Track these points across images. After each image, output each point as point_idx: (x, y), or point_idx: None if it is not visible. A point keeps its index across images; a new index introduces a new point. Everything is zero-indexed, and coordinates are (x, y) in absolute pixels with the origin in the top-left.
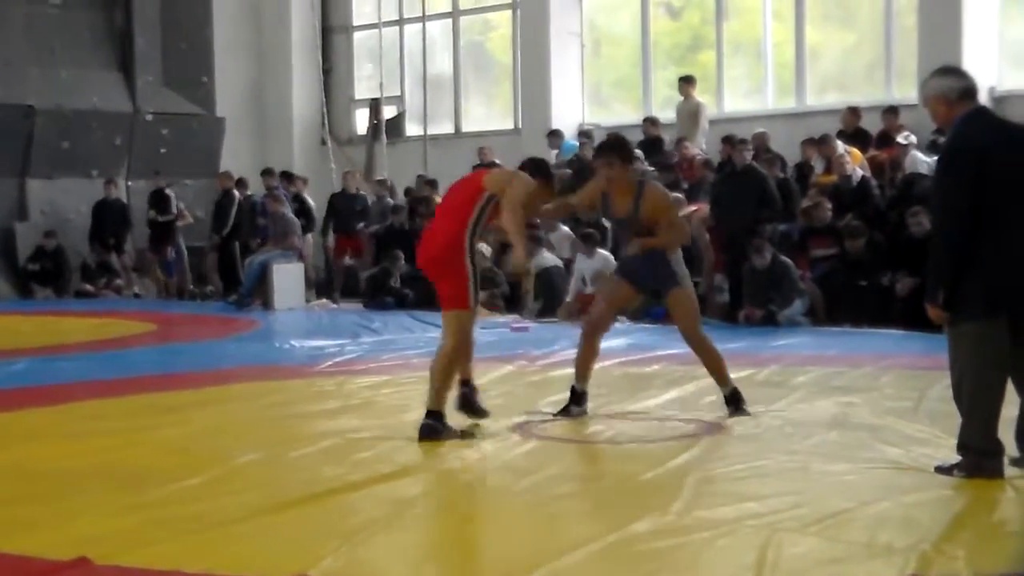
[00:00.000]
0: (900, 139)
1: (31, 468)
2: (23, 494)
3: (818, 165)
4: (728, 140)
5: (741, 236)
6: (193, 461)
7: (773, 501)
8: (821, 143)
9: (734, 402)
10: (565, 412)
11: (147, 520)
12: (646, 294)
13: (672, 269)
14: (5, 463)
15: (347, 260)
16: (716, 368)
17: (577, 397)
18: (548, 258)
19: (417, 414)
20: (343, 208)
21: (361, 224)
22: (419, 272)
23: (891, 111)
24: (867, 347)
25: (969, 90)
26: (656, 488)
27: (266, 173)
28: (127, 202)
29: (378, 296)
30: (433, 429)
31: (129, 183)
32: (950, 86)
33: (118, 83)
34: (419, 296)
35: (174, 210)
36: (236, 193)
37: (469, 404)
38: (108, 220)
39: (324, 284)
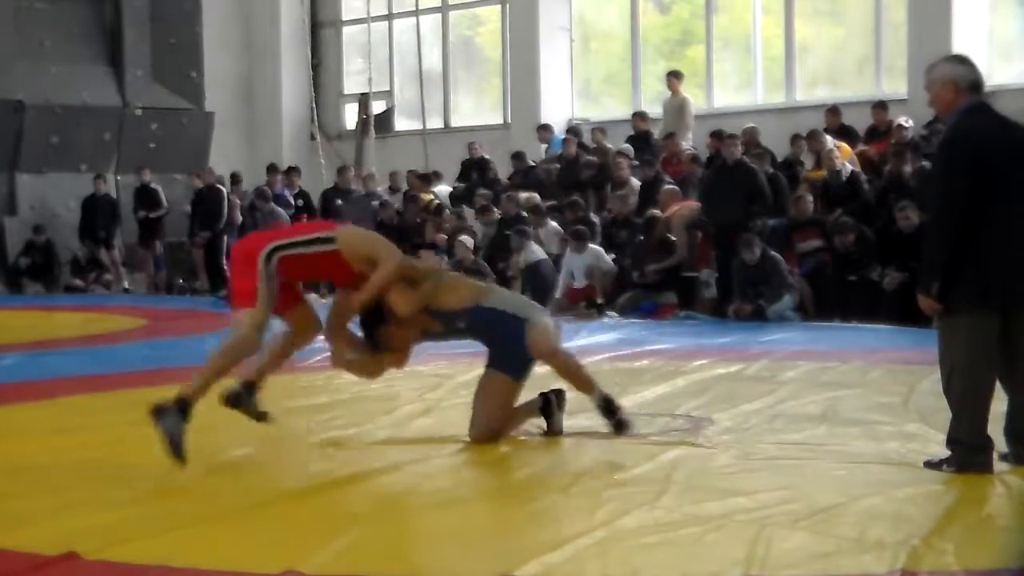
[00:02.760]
0: (901, 121)
1: (19, 463)
2: (11, 489)
3: (807, 160)
4: (717, 135)
5: (731, 231)
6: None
7: (763, 496)
8: (810, 138)
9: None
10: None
11: (136, 515)
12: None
13: None
14: None
15: None
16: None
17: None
18: (536, 252)
19: (408, 409)
20: (338, 205)
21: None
22: None
23: (880, 106)
24: (856, 342)
25: (978, 83)
26: (645, 483)
27: (271, 170)
28: (116, 197)
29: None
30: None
31: (118, 178)
32: (962, 74)
33: (107, 78)
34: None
35: (163, 205)
36: (222, 188)
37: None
38: (97, 215)
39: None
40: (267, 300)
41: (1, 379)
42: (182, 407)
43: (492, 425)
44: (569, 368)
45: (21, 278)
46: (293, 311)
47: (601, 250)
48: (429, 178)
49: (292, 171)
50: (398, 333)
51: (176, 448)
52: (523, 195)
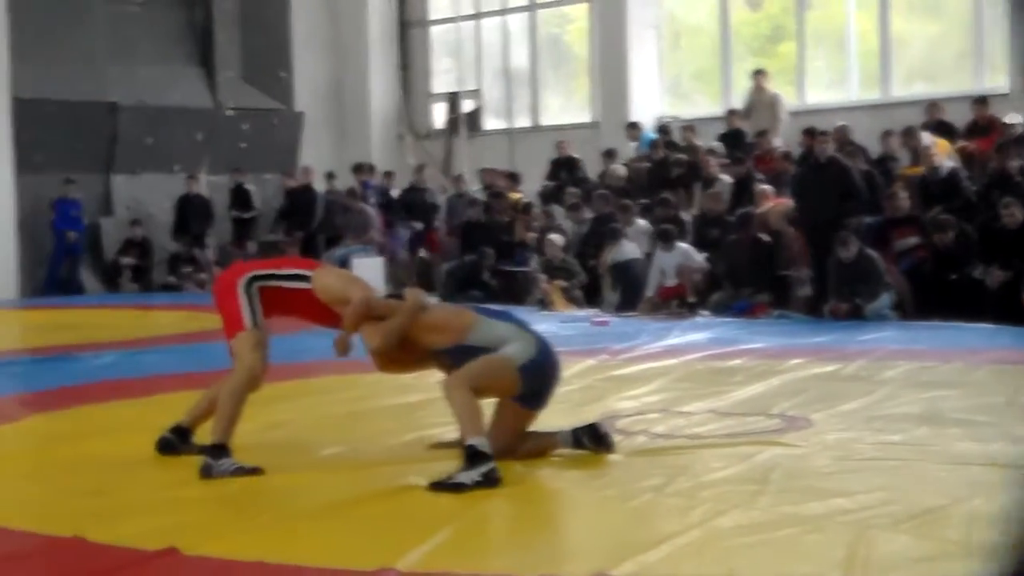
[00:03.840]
0: (1006, 119)
1: (118, 460)
2: (110, 485)
3: (904, 157)
4: (809, 132)
5: (825, 229)
6: (275, 454)
7: (863, 497)
8: (906, 134)
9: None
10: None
11: (233, 511)
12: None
13: None
14: (93, 454)
15: (421, 254)
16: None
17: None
18: (626, 251)
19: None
20: (416, 203)
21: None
22: (503, 265)
23: (981, 101)
24: (957, 341)
25: None
26: (740, 483)
27: (358, 169)
28: (209, 197)
29: (465, 289)
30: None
31: (210, 178)
32: None
33: (199, 79)
34: (501, 288)
35: (255, 206)
36: (316, 189)
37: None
38: (190, 215)
39: (398, 278)
40: (256, 317)
41: (99, 377)
42: (221, 448)
43: (459, 378)
44: (454, 405)
45: (118, 277)
46: (238, 339)
47: (690, 248)
48: (517, 177)
49: (388, 174)
50: (398, 357)
51: (250, 472)
52: (620, 171)
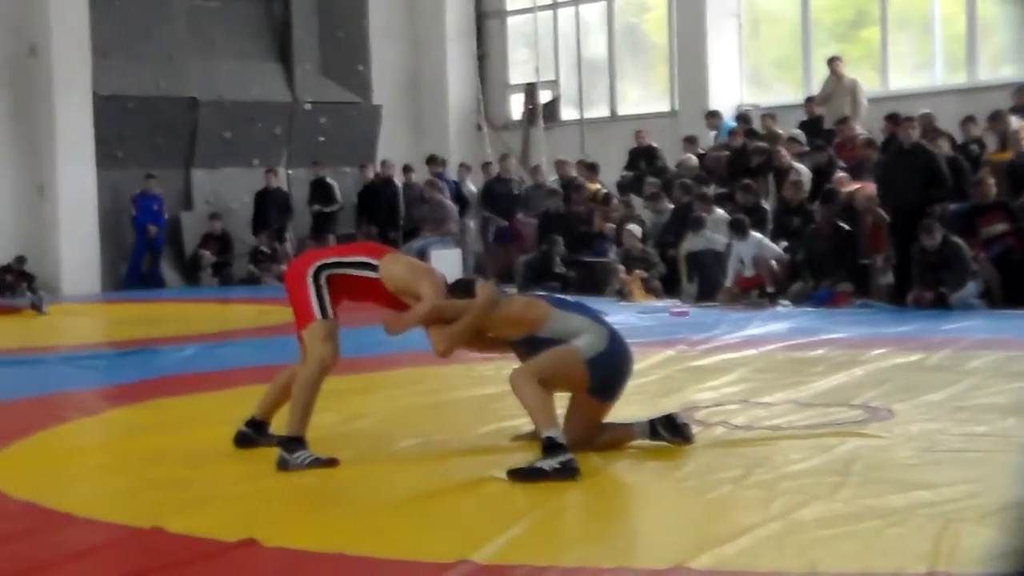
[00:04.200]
0: None
1: (198, 451)
2: (191, 476)
3: (991, 142)
4: (893, 118)
5: (909, 216)
6: (353, 446)
7: (947, 490)
8: (993, 119)
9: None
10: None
11: (311, 503)
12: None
13: None
14: (174, 446)
15: (502, 245)
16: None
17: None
18: (702, 240)
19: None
20: (500, 194)
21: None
22: (582, 256)
23: None
24: None
25: None
26: (822, 475)
27: (431, 161)
28: (288, 190)
29: (541, 280)
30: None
31: (289, 172)
32: None
33: (277, 73)
34: (580, 279)
35: (337, 199)
36: (397, 181)
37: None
38: (270, 208)
39: (480, 270)
40: (325, 307)
41: (180, 370)
42: (297, 440)
43: (526, 370)
44: (523, 399)
45: (198, 271)
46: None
47: (764, 238)
48: (595, 167)
49: (463, 167)
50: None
51: (325, 464)
52: (691, 161)
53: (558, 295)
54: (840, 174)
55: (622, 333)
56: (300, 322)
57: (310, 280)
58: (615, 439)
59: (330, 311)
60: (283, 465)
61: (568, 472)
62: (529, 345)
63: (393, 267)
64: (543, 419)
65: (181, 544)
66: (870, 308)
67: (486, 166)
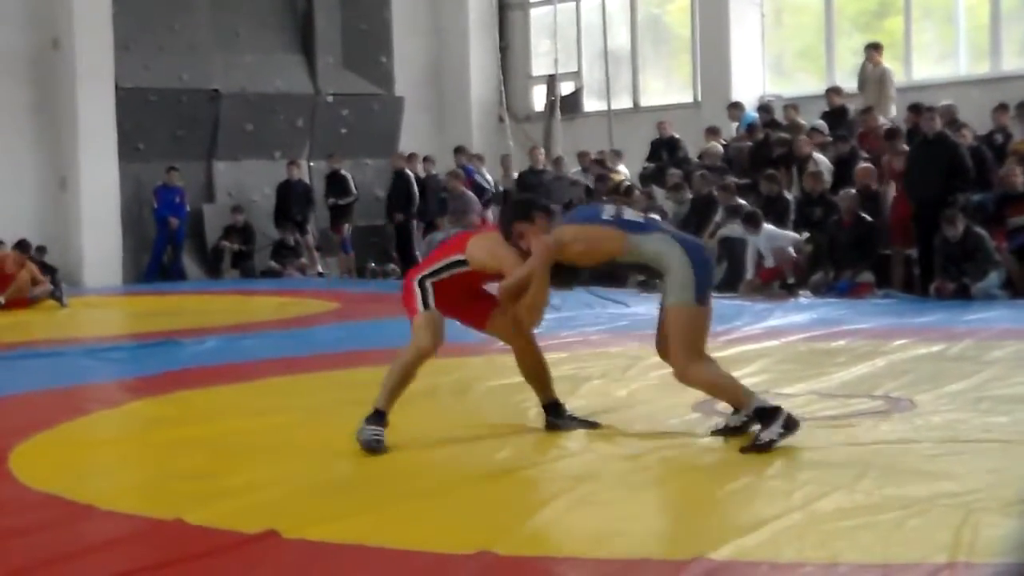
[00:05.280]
0: None
1: (220, 443)
2: (213, 468)
3: (1016, 132)
4: (915, 108)
5: (932, 206)
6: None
7: (969, 480)
8: (1019, 108)
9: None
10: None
11: (333, 495)
12: None
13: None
14: (195, 438)
15: None
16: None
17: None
18: (739, 228)
19: (599, 389)
20: (533, 184)
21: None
22: None
23: None
24: None
25: None
26: (843, 465)
27: (458, 151)
28: (310, 183)
29: (561, 269)
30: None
31: (311, 164)
32: None
33: (299, 65)
34: (602, 269)
35: (353, 191)
36: (410, 172)
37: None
38: (292, 201)
39: None
40: (427, 302)
41: (202, 362)
42: (379, 415)
43: (678, 361)
44: (702, 389)
45: (220, 263)
46: (492, 323)
47: (776, 230)
48: (617, 158)
49: (475, 157)
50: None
51: (375, 449)
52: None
53: (622, 217)
54: (862, 164)
55: (650, 316)
56: (410, 315)
57: (416, 286)
58: (720, 387)
59: (432, 305)
60: (359, 433)
61: (791, 429)
62: (610, 266)
63: (476, 255)
64: (734, 398)
65: (202, 536)
66: (892, 298)
67: (532, 151)
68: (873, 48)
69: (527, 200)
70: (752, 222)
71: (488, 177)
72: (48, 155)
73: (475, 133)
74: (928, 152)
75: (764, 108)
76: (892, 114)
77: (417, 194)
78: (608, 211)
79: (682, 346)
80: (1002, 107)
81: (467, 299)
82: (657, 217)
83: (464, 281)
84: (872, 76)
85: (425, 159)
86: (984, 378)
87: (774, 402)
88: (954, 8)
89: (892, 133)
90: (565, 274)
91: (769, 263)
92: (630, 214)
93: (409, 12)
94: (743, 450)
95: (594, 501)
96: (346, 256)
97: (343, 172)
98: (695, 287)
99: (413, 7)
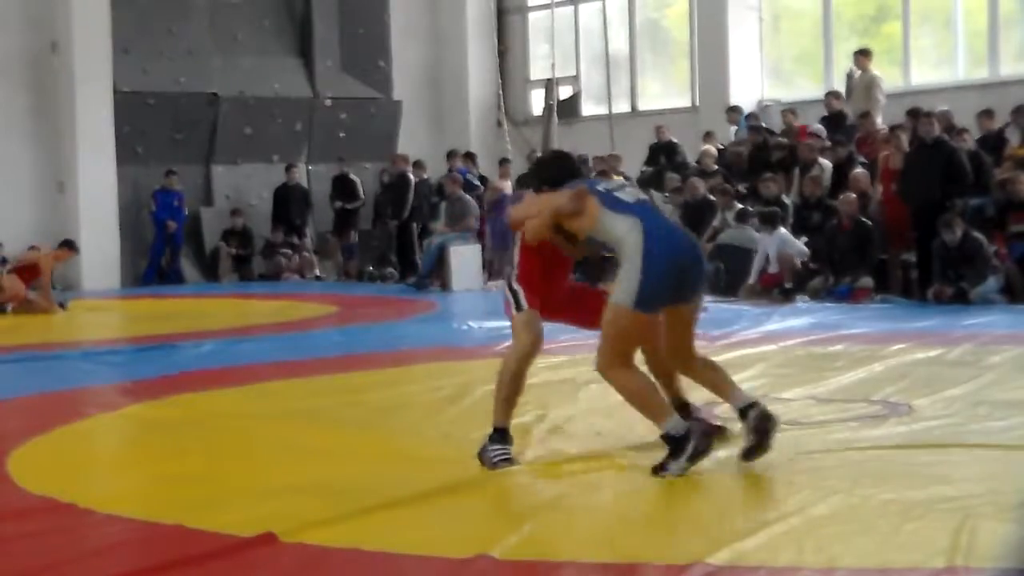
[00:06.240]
0: None
1: (217, 447)
2: (210, 472)
3: (1013, 137)
4: (913, 113)
5: (930, 211)
6: (373, 441)
7: (966, 485)
8: (1017, 113)
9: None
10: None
11: (330, 499)
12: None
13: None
14: (194, 441)
15: None
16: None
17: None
18: (738, 234)
19: (593, 394)
20: None
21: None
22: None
23: None
24: None
25: None
26: (840, 470)
27: (452, 155)
28: (308, 186)
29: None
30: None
31: (309, 167)
32: None
33: (298, 69)
34: (600, 272)
35: (360, 196)
36: (411, 176)
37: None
38: (290, 204)
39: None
40: (520, 303)
41: (200, 365)
42: (500, 432)
43: (602, 359)
44: (621, 395)
45: (218, 267)
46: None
47: (788, 234)
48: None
49: (469, 156)
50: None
51: (505, 461)
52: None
53: (611, 192)
54: (859, 169)
55: None
56: (507, 313)
57: (508, 292)
58: (716, 384)
59: (525, 304)
60: (480, 455)
61: (700, 456)
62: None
63: (514, 219)
64: (650, 413)
65: (200, 540)
66: (890, 303)
67: (531, 156)
68: (862, 54)
69: (559, 159)
70: (769, 221)
71: (480, 176)
72: (46, 158)
73: (473, 137)
74: (926, 156)
75: (752, 117)
76: (880, 121)
77: (411, 198)
78: (604, 184)
79: (608, 347)
80: (986, 112)
81: (571, 300)
82: (648, 201)
83: (531, 270)
84: (860, 82)
85: (416, 164)
86: (982, 383)
87: (684, 429)
88: (952, 13)
89: (896, 128)
90: (592, 269)
91: (773, 269)
92: (624, 193)
93: (407, 16)
94: (653, 471)
95: (592, 505)
96: (351, 260)
97: (352, 176)
98: (638, 291)
99: (411, 11)
